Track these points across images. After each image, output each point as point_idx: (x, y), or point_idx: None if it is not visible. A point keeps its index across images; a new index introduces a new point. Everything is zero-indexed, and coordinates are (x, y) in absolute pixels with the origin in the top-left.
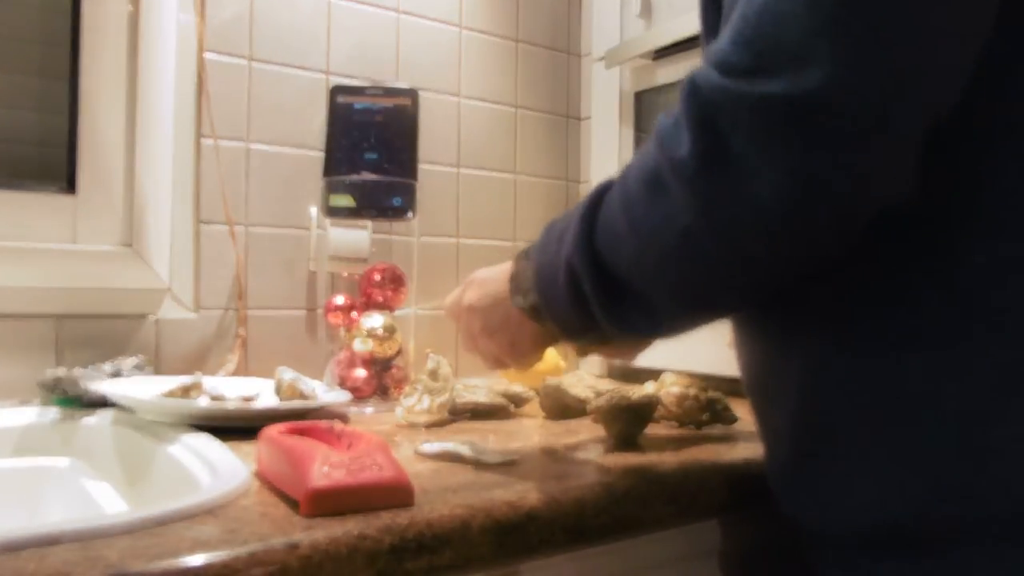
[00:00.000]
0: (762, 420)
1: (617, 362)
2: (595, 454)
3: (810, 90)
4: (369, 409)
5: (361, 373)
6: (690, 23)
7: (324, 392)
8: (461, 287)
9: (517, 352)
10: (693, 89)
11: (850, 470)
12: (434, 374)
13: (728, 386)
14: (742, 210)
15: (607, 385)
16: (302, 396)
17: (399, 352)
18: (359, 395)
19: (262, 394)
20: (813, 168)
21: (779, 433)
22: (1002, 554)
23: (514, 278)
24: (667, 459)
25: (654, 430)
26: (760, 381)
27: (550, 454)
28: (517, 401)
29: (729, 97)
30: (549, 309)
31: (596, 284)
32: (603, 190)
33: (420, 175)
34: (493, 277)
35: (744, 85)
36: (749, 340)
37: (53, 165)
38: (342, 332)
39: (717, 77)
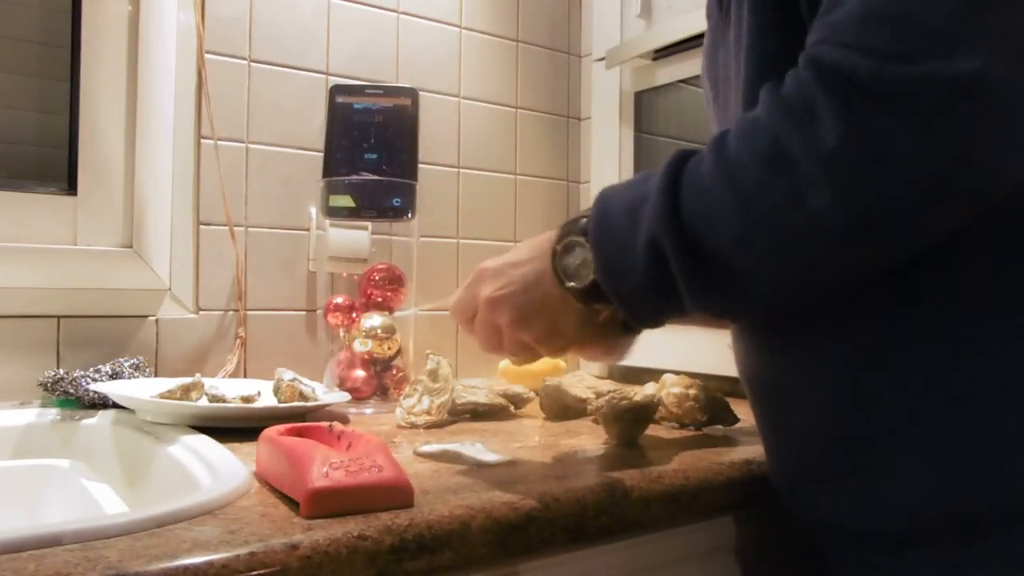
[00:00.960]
0: (769, 419)
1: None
2: (595, 454)
3: (963, 75)
4: (369, 410)
5: (361, 374)
6: (690, 23)
7: (324, 393)
8: (468, 284)
9: (557, 337)
10: (829, 68)
11: (884, 470)
12: (434, 374)
13: (728, 386)
14: (888, 195)
15: (607, 385)
16: (302, 397)
17: (399, 352)
18: (359, 395)
19: (262, 395)
20: (965, 152)
21: (795, 433)
22: None
23: (559, 257)
24: (667, 459)
25: (654, 430)
26: (770, 380)
27: (550, 454)
28: (517, 401)
29: (876, 78)
30: (618, 290)
31: (687, 263)
32: (681, 159)
33: (420, 175)
34: (513, 262)
35: (892, 67)
36: (757, 339)
37: (53, 165)
38: (342, 332)
39: (858, 57)
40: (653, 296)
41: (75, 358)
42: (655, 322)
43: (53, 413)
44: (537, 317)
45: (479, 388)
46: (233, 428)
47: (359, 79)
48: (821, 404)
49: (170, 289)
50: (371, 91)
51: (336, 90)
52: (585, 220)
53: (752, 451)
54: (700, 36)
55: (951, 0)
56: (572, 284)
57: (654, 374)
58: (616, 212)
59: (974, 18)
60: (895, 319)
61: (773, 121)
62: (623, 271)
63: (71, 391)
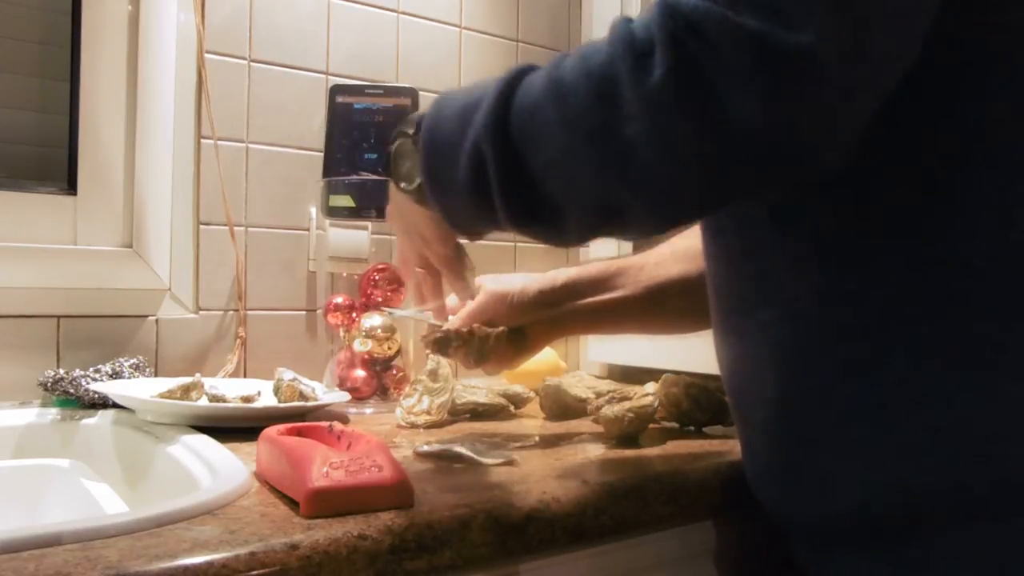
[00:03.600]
0: (736, 414)
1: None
2: (595, 454)
3: (797, 47)
4: (369, 409)
5: (361, 373)
6: None
7: (324, 392)
8: None
9: (433, 247)
10: (668, 9)
11: (830, 464)
12: (434, 374)
13: None
14: (696, 138)
15: (607, 385)
16: (302, 397)
17: (399, 352)
18: (359, 395)
19: (262, 395)
20: (779, 118)
21: (758, 430)
22: (983, 534)
23: (393, 159)
24: (667, 459)
25: (654, 430)
26: (735, 375)
27: (550, 454)
28: (517, 401)
29: (719, 26)
30: (438, 191)
31: (505, 176)
32: (520, 74)
33: None
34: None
35: (742, 19)
36: (727, 338)
37: (53, 165)
38: (342, 332)
39: (704, 2)
40: (469, 204)
41: (75, 358)
42: (471, 231)
43: (53, 413)
44: (408, 231)
45: (479, 388)
46: (233, 428)
47: (359, 79)
48: (769, 400)
49: (170, 289)
50: (371, 91)
51: (336, 90)
52: (417, 119)
53: None
54: None
55: None
56: (403, 185)
57: (654, 374)
58: (447, 116)
59: None
60: (827, 318)
61: (612, 49)
62: (444, 175)
63: (71, 391)
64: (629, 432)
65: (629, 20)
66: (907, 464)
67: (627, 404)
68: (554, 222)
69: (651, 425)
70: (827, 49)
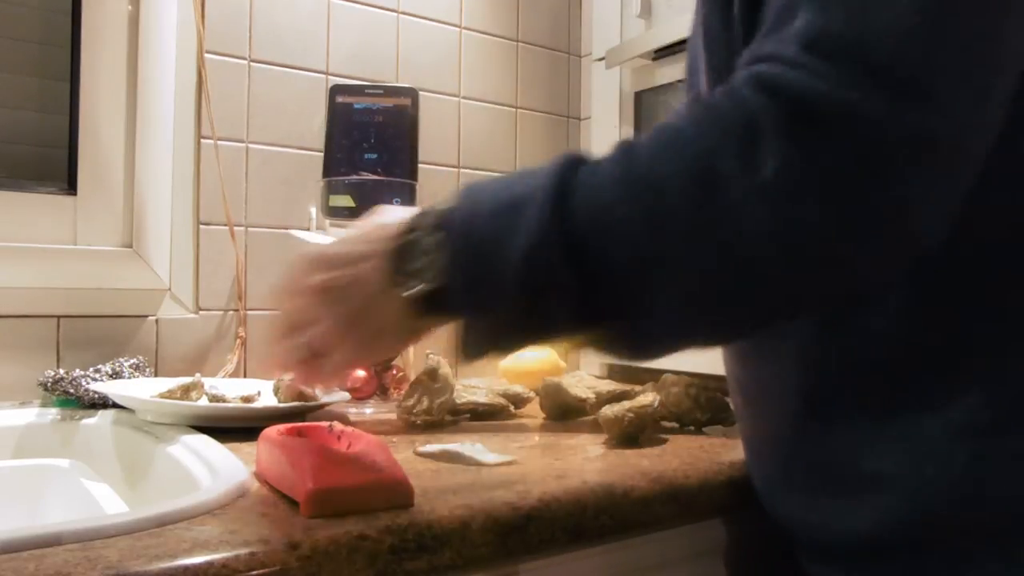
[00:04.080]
0: (747, 431)
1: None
2: (595, 454)
3: (924, 132)
4: (369, 409)
5: (361, 373)
6: (690, 23)
7: (323, 392)
8: (301, 262)
9: (372, 351)
10: (775, 87)
11: (849, 481)
12: (434, 374)
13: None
14: (820, 232)
15: (607, 385)
16: (302, 396)
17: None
18: (359, 395)
19: (262, 395)
20: (906, 204)
21: (770, 441)
22: (1005, 555)
23: (396, 254)
24: (667, 459)
25: (654, 430)
26: (746, 380)
27: (550, 454)
28: (517, 401)
29: (831, 106)
30: (475, 296)
31: (575, 279)
32: (572, 163)
33: (420, 175)
34: (353, 253)
35: (850, 94)
36: (745, 356)
37: (53, 165)
38: None
39: (808, 79)
40: (520, 313)
41: (75, 358)
42: (511, 345)
43: (53, 413)
44: (360, 322)
45: (479, 388)
46: (233, 428)
47: (359, 79)
48: (785, 414)
49: (170, 289)
50: (371, 91)
51: (336, 90)
52: (441, 216)
53: None
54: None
55: (931, 35)
56: (407, 289)
57: (654, 374)
58: (485, 214)
59: (951, 64)
60: (856, 352)
61: (704, 136)
62: (486, 281)
63: (71, 391)
64: (629, 432)
65: (702, 99)
66: (928, 494)
67: (627, 404)
68: (637, 327)
69: (651, 425)
70: (967, 129)
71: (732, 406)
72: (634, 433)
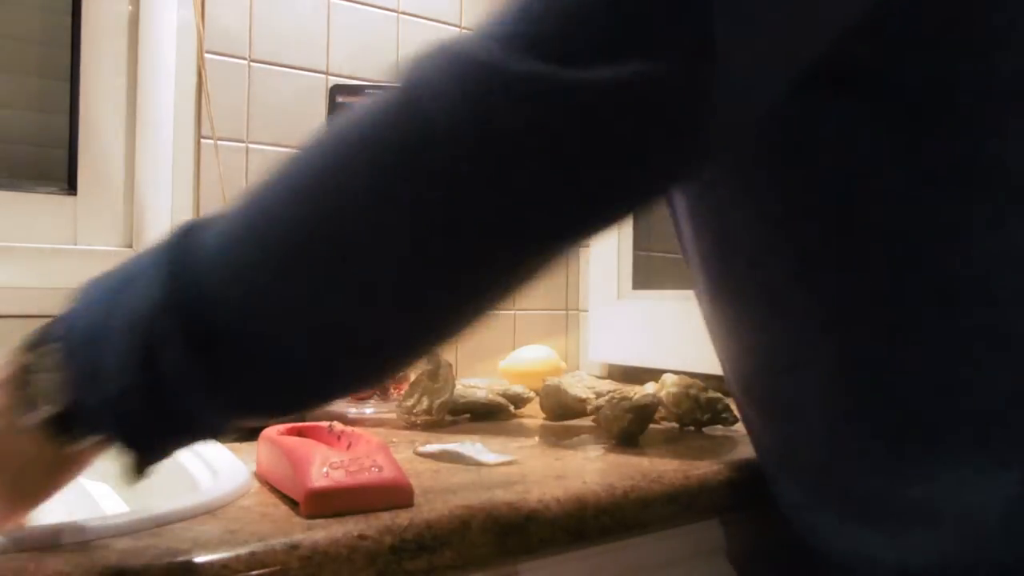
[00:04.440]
0: (771, 443)
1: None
2: (595, 454)
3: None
4: (369, 409)
5: None
6: None
7: None
8: None
9: (19, 495)
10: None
11: (871, 510)
12: (434, 374)
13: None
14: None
15: (607, 385)
16: None
17: None
18: (359, 395)
19: None
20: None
21: (796, 461)
22: None
23: (19, 383)
24: (667, 459)
25: (654, 430)
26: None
27: (550, 454)
28: (517, 401)
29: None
30: (95, 400)
31: (188, 338)
32: (187, 228)
33: None
34: None
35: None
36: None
37: (53, 165)
38: None
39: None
40: (150, 408)
41: None
42: (155, 454)
43: None
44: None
45: (479, 388)
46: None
47: (359, 79)
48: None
49: None
50: (371, 91)
51: (336, 90)
52: (53, 321)
53: (751, 451)
54: None
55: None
56: (33, 416)
57: (654, 374)
58: (94, 302)
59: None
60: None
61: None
62: (102, 374)
63: None
64: (629, 432)
65: None
66: (951, 533)
67: (627, 404)
68: (281, 377)
69: (651, 425)
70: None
71: (740, 415)
72: (634, 433)
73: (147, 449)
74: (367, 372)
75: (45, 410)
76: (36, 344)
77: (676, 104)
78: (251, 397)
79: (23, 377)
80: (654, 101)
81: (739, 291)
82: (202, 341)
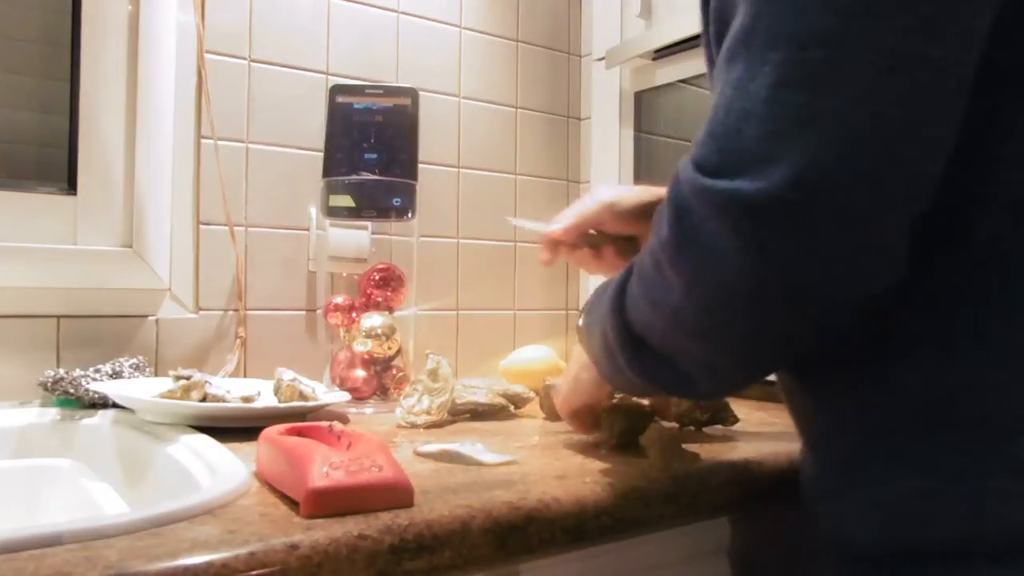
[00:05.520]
0: (800, 427)
1: None
2: (595, 454)
3: (767, 191)
4: (369, 409)
5: (361, 373)
6: (690, 23)
7: (324, 392)
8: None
9: (580, 396)
10: (675, 180)
11: (892, 487)
12: (434, 374)
13: None
14: (714, 291)
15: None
16: (302, 397)
17: (399, 352)
18: (359, 395)
19: (262, 394)
20: (771, 261)
21: (815, 444)
22: None
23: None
24: (667, 459)
25: (654, 430)
26: (789, 384)
27: (550, 454)
28: (517, 401)
29: (696, 192)
30: (591, 355)
31: (619, 337)
32: (627, 275)
33: (420, 175)
34: (581, 387)
35: (710, 182)
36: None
37: (53, 165)
38: (342, 332)
39: (691, 172)
40: (606, 363)
41: (75, 358)
42: (615, 383)
43: (53, 413)
44: (577, 387)
45: (479, 388)
46: (233, 428)
47: (359, 79)
48: (816, 425)
49: (170, 289)
50: (371, 91)
51: (336, 90)
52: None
53: (752, 451)
54: (700, 36)
55: (767, 117)
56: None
57: None
58: (601, 297)
59: (784, 134)
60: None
61: (655, 224)
62: (592, 341)
63: (71, 391)
64: (629, 432)
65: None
66: (981, 496)
67: (627, 404)
68: (675, 376)
69: (651, 425)
70: (799, 184)
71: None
72: (634, 432)
73: (610, 379)
74: (708, 383)
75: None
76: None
77: None
78: (658, 379)
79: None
80: None
81: None
82: (633, 350)
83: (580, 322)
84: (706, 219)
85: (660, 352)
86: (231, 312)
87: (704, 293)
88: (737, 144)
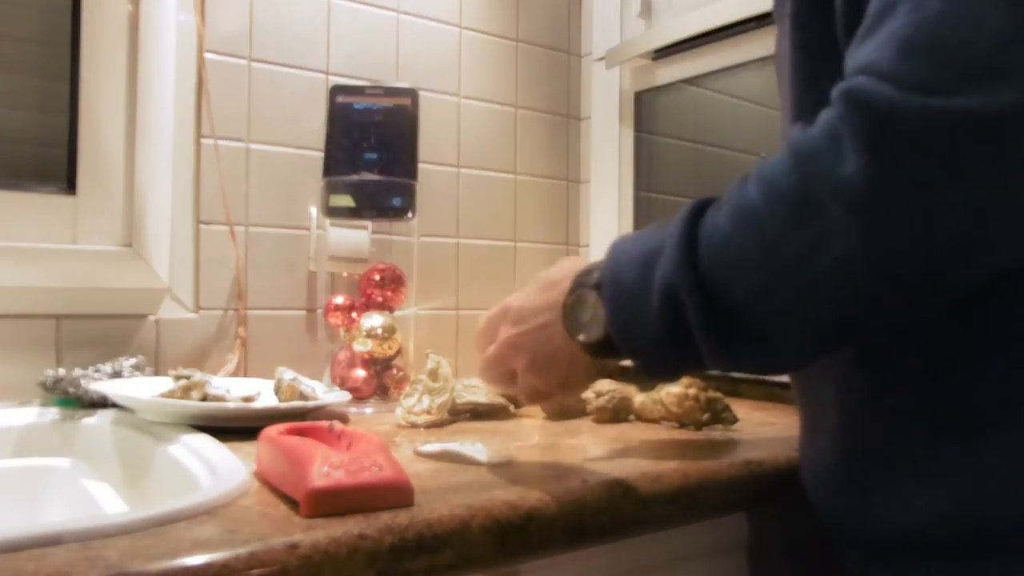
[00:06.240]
0: (806, 421)
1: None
2: (595, 454)
3: (1011, 103)
4: (369, 409)
5: (361, 373)
6: (690, 23)
7: (324, 392)
8: (492, 314)
9: (569, 386)
10: (859, 102)
11: (906, 479)
12: (434, 374)
13: (728, 386)
14: (917, 240)
15: (607, 385)
16: (302, 396)
17: (399, 352)
18: (359, 395)
19: (262, 394)
20: (1010, 190)
21: (828, 437)
22: None
23: (569, 310)
24: (667, 459)
25: (655, 431)
26: (803, 376)
27: (550, 454)
28: (517, 401)
29: (910, 113)
30: (631, 344)
31: (706, 314)
32: (699, 208)
33: (420, 175)
34: (534, 307)
35: (927, 100)
36: None
37: (53, 165)
38: (342, 332)
39: (891, 90)
40: (668, 350)
41: (75, 358)
42: (670, 375)
43: (53, 413)
44: (550, 369)
45: (479, 388)
46: (233, 428)
47: (359, 79)
48: (845, 412)
49: (170, 289)
50: (371, 91)
51: (336, 90)
52: (597, 273)
53: (752, 451)
54: (700, 36)
55: (1005, 24)
56: (582, 338)
57: None
58: (629, 264)
59: (1020, 45)
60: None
61: (799, 162)
62: (636, 324)
63: (71, 391)
64: (614, 411)
65: (803, 127)
66: (984, 490)
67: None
68: (764, 351)
69: (651, 425)
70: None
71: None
72: (619, 413)
73: (659, 372)
74: (803, 349)
75: (590, 334)
76: (581, 286)
77: None
78: (738, 354)
79: (575, 309)
80: None
81: None
82: (711, 312)
83: (574, 297)
84: (920, 146)
85: (759, 321)
86: (231, 312)
87: (902, 240)
88: (967, 53)
